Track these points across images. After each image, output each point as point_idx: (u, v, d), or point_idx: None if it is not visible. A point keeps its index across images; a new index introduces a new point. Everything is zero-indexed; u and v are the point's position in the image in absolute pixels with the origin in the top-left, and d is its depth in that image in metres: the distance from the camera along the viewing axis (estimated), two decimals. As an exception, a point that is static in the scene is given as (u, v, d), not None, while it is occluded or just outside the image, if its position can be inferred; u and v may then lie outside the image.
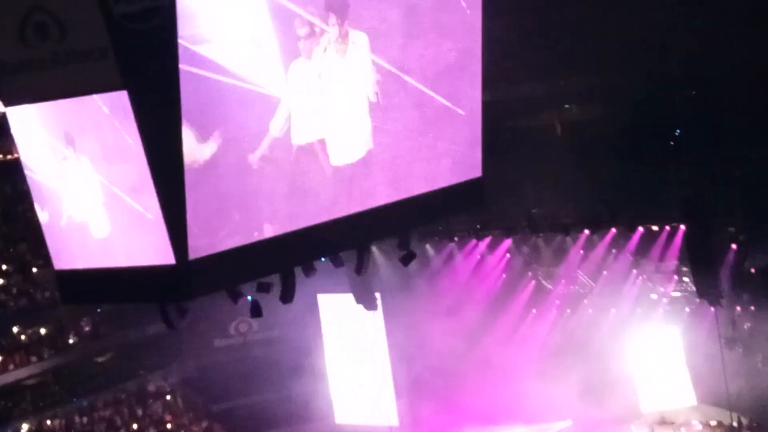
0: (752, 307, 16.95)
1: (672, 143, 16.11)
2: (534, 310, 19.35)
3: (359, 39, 8.91)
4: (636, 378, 18.62)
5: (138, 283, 7.91)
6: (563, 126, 16.98)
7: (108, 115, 7.32)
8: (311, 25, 8.33)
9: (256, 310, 10.86)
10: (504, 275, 19.32)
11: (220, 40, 7.56)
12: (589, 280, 18.66)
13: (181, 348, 19.86)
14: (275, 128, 8.17)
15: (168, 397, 21.05)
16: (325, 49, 8.57)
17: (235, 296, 9.68)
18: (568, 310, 19.14)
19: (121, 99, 7.10)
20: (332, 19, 8.62)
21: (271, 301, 10.54)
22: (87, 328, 20.70)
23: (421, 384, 19.99)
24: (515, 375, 19.02)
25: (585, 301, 18.93)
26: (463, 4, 9.73)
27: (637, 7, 14.63)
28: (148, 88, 7.02)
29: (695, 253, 16.55)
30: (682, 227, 16.72)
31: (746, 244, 16.17)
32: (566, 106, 16.81)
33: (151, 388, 21.05)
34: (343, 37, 8.77)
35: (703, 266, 16.63)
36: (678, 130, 16.04)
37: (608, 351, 18.30)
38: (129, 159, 7.39)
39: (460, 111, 10.10)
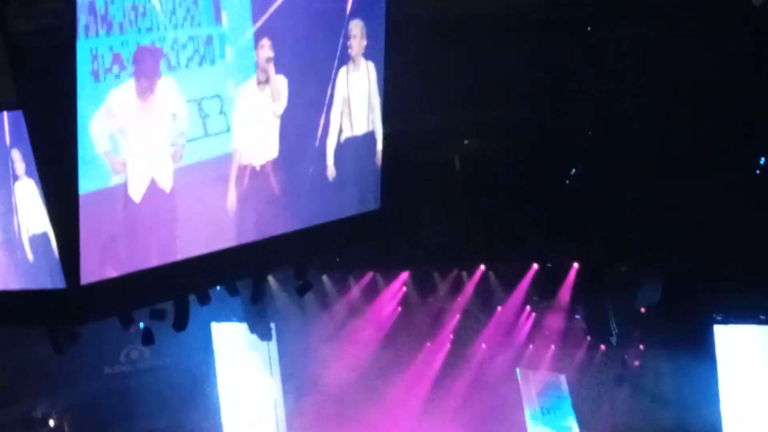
0: (641, 346, 17.19)
1: (567, 181, 16.30)
2: (429, 343, 19.41)
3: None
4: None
5: (27, 307, 7.75)
6: (462, 160, 17.06)
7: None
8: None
9: (148, 337, 10.74)
10: (399, 308, 19.36)
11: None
12: (484, 315, 18.77)
13: (69, 374, 19.34)
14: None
15: (52, 423, 20.51)
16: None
17: (128, 323, 9.56)
18: (462, 344, 19.23)
19: (17, 119, 6.99)
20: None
21: (163, 329, 10.40)
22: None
23: (314, 415, 19.88)
24: (409, 406, 19.07)
25: (478, 335, 19.03)
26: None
27: (540, 43, 14.75)
28: (44, 108, 6.91)
29: (587, 292, 16.81)
30: (576, 265, 16.92)
31: (637, 284, 16.38)
32: (465, 141, 16.91)
33: (37, 414, 20.50)
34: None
35: (594, 304, 16.90)
36: (573, 169, 16.24)
37: (502, 383, 18.44)
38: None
39: (360, 140, 10.16)
